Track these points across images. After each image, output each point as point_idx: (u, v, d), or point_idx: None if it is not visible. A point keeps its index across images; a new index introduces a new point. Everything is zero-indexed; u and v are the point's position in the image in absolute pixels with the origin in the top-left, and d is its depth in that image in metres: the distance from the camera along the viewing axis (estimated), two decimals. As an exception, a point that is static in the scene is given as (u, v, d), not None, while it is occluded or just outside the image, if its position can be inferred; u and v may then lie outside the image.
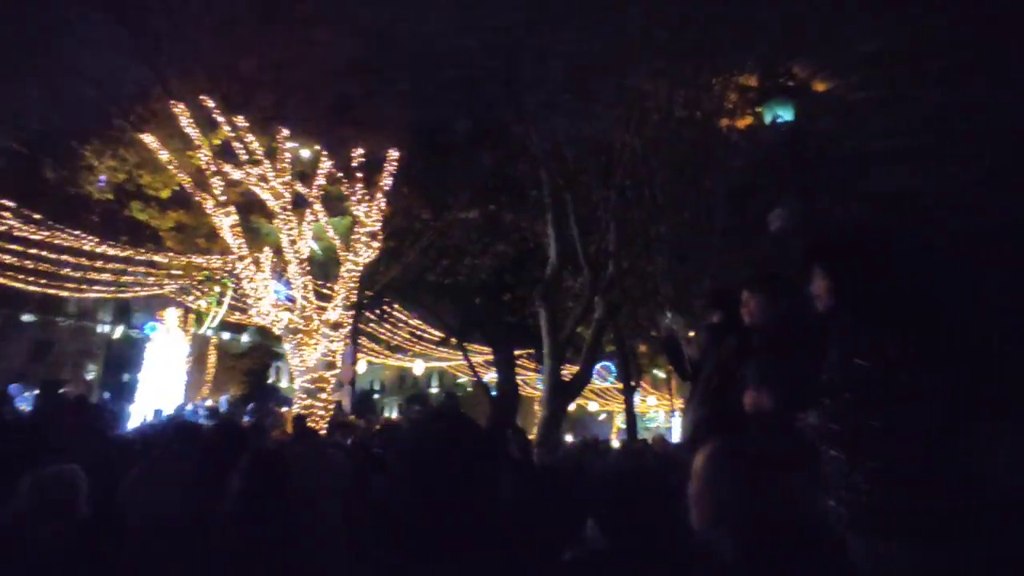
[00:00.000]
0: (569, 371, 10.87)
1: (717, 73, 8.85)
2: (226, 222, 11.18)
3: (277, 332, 12.21)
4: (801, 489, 2.01)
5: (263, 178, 11.37)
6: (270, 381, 34.28)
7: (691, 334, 3.78)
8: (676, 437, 16.18)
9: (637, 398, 21.45)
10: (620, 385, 19.02)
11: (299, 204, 12.02)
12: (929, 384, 1.90)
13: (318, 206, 11.94)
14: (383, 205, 11.88)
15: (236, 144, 11.14)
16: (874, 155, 8.65)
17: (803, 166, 7.05)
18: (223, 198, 11.02)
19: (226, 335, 31.27)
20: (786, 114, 7.60)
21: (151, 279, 14.68)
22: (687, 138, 9.46)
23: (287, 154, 11.59)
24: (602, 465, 5.70)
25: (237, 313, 17.44)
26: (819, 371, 2.13)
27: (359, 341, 19.27)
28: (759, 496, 1.69)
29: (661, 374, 19.41)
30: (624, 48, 8.56)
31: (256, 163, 11.24)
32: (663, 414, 29.28)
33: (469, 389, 33.33)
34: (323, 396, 11.84)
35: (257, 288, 11.58)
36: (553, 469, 4.72)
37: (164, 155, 10.90)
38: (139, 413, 13.48)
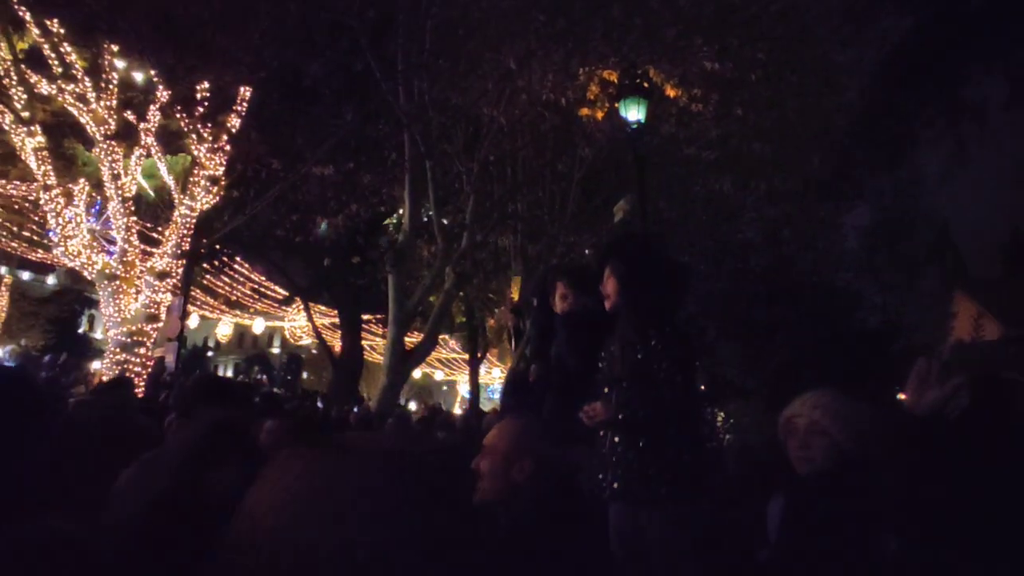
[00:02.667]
0: (416, 339, 10.87)
1: (584, 64, 9.19)
2: (29, 143, 9.62)
3: (89, 277, 10.82)
4: (578, 462, 2.23)
5: (82, 98, 9.89)
6: (81, 331, 30.43)
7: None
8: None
9: (483, 369, 22.02)
10: (467, 356, 19.39)
11: (127, 134, 10.62)
12: (682, 375, 2.25)
13: (151, 140, 10.65)
14: (228, 147, 10.88)
15: (49, 53, 9.56)
16: (705, 162, 9.60)
17: (644, 164, 7.60)
18: (26, 114, 9.44)
19: (26, 275, 27.27)
20: (640, 113, 8.06)
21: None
22: (549, 121, 9.76)
23: (114, 75, 10.17)
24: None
25: (40, 251, 15.14)
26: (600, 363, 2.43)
27: (193, 294, 17.65)
28: (547, 467, 1.80)
29: (507, 347, 20.12)
30: (501, 23, 8.58)
31: (72, 79, 9.74)
32: (507, 386, 30.32)
33: (314, 351, 32.09)
34: (141, 351, 10.74)
35: (65, 225, 10.14)
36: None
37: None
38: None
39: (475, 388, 18.54)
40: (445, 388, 33.86)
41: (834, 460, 1.76)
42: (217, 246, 14.48)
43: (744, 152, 9.55)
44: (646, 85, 8.11)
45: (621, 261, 2.44)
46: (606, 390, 2.35)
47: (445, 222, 8.83)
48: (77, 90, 9.81)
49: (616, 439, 2.28)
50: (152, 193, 12.13)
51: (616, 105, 8.21)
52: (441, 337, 16.58)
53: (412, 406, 21.91)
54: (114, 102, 10.14)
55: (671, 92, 9.08)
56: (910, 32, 7.19)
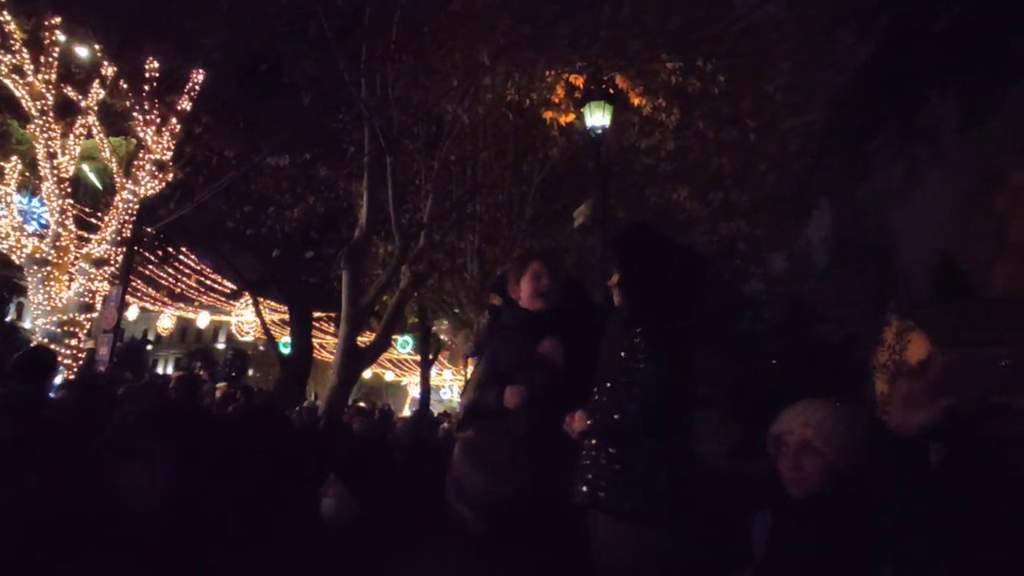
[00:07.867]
0: (368, 338, 10.62)
1: (550, 67, 9.17)
2: (-45, 115, 8.97)
3: (17, 261, 10.14)
4: (550, 471, 2.09)
5: (18, 70, 9.28)
6: (8, 319, 28.73)
7: None
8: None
9: (433, 371, 21.81)
10: (418, 357, 19.15)
11: (67, 112, 10.02)
12: (664, 376, 2.08)
13: (92, 119, 10.07)
14: (176, 130, 10.39)
15: (-17, 21, 8.93)
16: (662, 173, 9.74)
17: (605, 171, 7.58)
18: (-47, 83, 8.81)
19: (-52, 258, 25.55)
20: (604, 118, 8.08)
21: None
22: (513, 123, 9.71)
23: (56, 48, 9.59)
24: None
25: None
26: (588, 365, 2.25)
27: (134, 284, 16.81)
28: (509, 479, 1.70)
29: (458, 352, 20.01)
30: (469, 23, 8.48)
31: (9, 50, 9.14)
32: (457, 388, 30.16)
33: (261, 348, 31.12)
34: (73, 342, 10.11)
35: (-7, 203, 9.50)
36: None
37: None
38: None
39: (426, 390, 18.32)
40: (404, 383, 33.29)
41: (828, 481, 1.64)
42: (161, 235, 13.83)
43: (702, 165, 9.71)
44: (612, 92, 8.14)
45: (619, 253, 2.25)
46: (595, 392, 2.16)
47: (403, 220, 8.65)
48: (13, 61, 9.20)
49: (593, 441, 2.12)
50: (98, 184, 11.48)
51: (581, 110, 8.22)
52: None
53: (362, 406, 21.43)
54: (53, 76, 9.55)
55: (636, 100, 9.15)
56: (870, 57, 7.45)
